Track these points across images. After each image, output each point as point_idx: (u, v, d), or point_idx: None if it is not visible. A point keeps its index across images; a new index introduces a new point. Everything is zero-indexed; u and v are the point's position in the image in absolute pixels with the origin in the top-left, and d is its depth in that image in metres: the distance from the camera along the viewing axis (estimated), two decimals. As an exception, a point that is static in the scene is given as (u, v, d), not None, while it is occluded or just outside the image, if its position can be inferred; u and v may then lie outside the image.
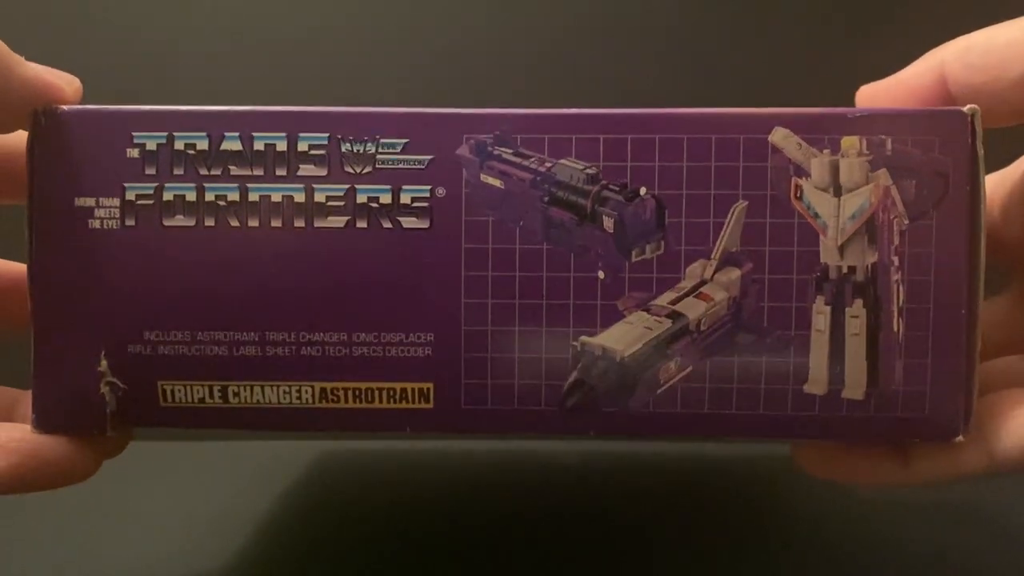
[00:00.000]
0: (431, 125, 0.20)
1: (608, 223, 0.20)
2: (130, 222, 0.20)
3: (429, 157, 0.20)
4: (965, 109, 0.20)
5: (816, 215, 0.20)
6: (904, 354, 0.20)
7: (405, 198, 0.20)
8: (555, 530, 0.30)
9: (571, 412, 0.21)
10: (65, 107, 0.20)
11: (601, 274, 0.20)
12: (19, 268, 0.24)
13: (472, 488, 0.34)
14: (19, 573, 0.28)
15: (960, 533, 0.30)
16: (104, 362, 0.21)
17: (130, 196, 0.20)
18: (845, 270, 0.20)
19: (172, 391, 0.21)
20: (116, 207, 0.20)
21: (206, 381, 0.21)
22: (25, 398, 0.23)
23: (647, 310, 0.21)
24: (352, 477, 0.36)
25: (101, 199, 0.20)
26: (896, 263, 0.20)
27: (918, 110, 0.20)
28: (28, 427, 0.21)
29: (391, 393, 0.21)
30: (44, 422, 0.21)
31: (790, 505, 0.32)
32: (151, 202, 0.20)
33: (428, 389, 0.21)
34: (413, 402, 0.21)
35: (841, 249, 0.20)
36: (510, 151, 0.20)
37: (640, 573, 0.27)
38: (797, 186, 0.20)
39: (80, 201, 0.20)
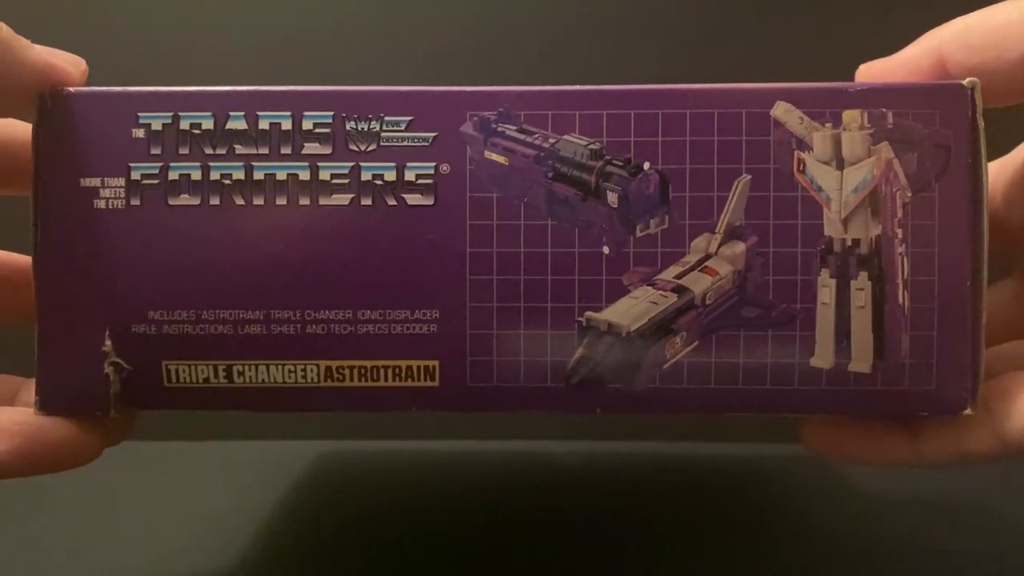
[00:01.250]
0: (435, 103, 0.20)
1: (612, 198, 0.20)
2: (135, 201, 0.20)
3: (433, 134, 0.20)
4: (965, 82, 0.20)
5: (819, 188, 0.20)
6: (910, 326, 0.20)
7: (410, 175, 0.20)
8: (557, 531, 0.30)
9: (577, 389, 0.21)
10: (71, 89, 0.21)
11: (606, 249, 0.20)
12: (22, 260, 0.24)
13: (474, 489, 0.34)
14: (21, 573, 0.27)
15: (965, 532, 0.29)
16: (108, 342, 0.21)
17: (135, 176, 0.21)
18: (849, 243, 0.20)
19: (176, 371, 0.21)
20: (121, 187, 0.20)
21: (211, 360, 0.21)
22: (28, 386, 0.23)
23: (652, 284, 0.21)
24: (353, 477, 0.36)
25: (106, 179, 0.21)
26: (900, 235, 0.20)
27: (918, 84, 0.21)
28: (31, 411, 0.21)
29: (396, 371, 0.21)
30: (47, 403, 0.21)
31: (794, 505, 0.32)
32: (156, 181, 0.21)
33: (433, 367, 0.21)
34: (419, 380, 0.21)
35: (845, 222, 0.20)
36: (514, 128, 0.20)
37: (643, 573, 0.27)
38: (800, 160, 0.20)
39: (86, 181, 0.20)
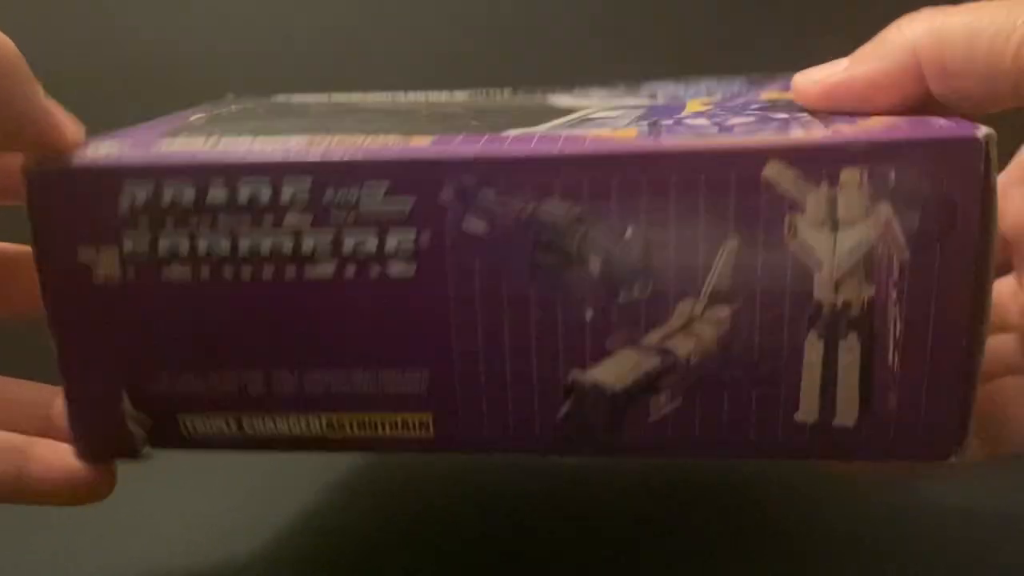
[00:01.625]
0: (414, 170, 0.20)
1: (595, 264, 0.20)
2: (131, 275, 0.21)
3: (412, 201, 0.20)
4: (980, 136, 0.18)
5: (810, 252, 0.19)
6: (899, 385, 0.20)
7: (391, 244, 0.20)
8: (557, 530, 0.30)
9: (565, 440, 0.22)
10: (54, 166, 0.21)
11: (589, 315, 0.20)
12: (20, 249, 0.25)
13: (474, 488, 0.33)
14: (24, 573, 0.28)
15: (965, 532, 0.29)
16: (127, 400, 0.22)
17: (127, 250, 0.21)
18: (840, 306, 0.20)
19: (192, 423, 0.22)
20: (115, 263, 0.21)
21: (222, 413, 0.22)
22: (58, 396, 0.23)
23: (636, 348, 0.21)
24: (355, 477, 0.35)
25: (101, 251, 0.21)
26: (894, 297, 0.20)
27: (925, 138, 0.19)
28: (70, 449, 0.23)
29: (392, 423, 0.22)
30: (83, 453, 0.23)
31: (795, 505, 0.31)
32: (147, 254, 0.21)
33: (427, 420, 0.22)
34: (413, 431, 0.22)
35: (836, 284, 0.20)
36: (493, 193, 0.20)
37: (643, 573, 0.27)
38: (791, 224, 0.19)
39: (82, 256, 0.21)
